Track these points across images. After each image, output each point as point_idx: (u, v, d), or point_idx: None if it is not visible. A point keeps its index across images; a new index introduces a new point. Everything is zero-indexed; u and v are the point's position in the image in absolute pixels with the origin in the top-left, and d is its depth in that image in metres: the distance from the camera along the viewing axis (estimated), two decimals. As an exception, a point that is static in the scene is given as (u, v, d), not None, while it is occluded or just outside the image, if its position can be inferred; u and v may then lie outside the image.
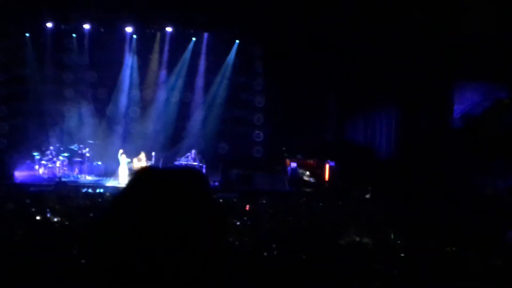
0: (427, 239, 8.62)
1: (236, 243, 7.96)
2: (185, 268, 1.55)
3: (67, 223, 9.48)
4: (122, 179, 20.46)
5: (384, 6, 18.61)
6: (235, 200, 13.35)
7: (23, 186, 17.71)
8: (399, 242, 8.37)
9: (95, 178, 21.23)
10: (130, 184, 1.70)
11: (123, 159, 20.68)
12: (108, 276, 1.55)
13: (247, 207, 12.54)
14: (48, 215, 9.91)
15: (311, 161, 21.74)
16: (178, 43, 23.99)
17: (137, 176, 1.72)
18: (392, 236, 8.67)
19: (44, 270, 6.26)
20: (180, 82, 24.29)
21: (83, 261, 6.79)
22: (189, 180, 1.70)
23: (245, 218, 10.35)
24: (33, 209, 10.32)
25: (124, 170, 20.66)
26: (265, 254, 7.82)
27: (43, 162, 21.30)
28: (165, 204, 1.59)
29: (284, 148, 22.44)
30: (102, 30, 23.28)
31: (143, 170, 1.75)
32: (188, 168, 1.80)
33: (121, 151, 20.77)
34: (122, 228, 1.57)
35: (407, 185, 17.21)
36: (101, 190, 17.11)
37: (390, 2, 18.63)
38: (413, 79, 19.28)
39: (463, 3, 17.92)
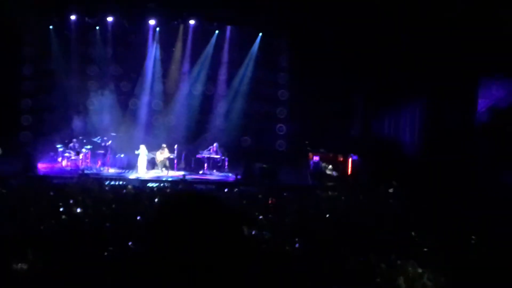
0: (451, 236, 8.48)
1: (259, 237, 7.92)
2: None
3: (90, 214, 9.53)
4: (141, 171, 20.51)
5: (411, 1, 18.44)
6: (260, 196, 13.29)
7: (47, 178, 17.83)
8: (421, 239, 8.25)
9: (117, 171, 21.30)
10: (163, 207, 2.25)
11: (142, 150, 20.71)
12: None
13: (270, 200, 12.48)
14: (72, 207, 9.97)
15: (334, 155, 21.54)
16: (201, 35, 23.98)
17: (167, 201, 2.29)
18: (414, 234, 8.55)
19: (68, 261, 6.29)
20: (203, 75, 24.29)
21: (105, 253, 6.83)
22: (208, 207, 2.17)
23: (268, 213, 10.30)
24: (59, 202, 10.39)
25: (143, 161, 20.67)
26: (287, 248, 7.78)
27: (66, 154, 21.45)
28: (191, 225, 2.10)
29: (307, 142, 22.29)
30: (125, 22, 23.33)
31: (171, 197, 2.26)
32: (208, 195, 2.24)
33: (142, 146, 20.83)
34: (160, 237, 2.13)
35: (432, 181, 16.99)
36: (124, 183, 17.16)
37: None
38: (439, 74, 19.07)
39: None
